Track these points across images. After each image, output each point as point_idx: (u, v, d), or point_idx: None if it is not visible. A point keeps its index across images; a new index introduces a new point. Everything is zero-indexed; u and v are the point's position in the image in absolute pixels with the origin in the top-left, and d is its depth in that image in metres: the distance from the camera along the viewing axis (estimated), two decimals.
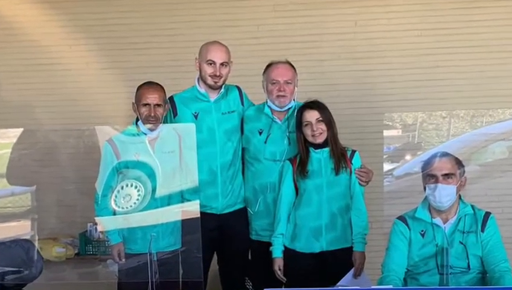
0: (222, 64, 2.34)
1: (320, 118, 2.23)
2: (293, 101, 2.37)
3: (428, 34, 3.06)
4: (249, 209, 2.44)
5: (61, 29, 3.22)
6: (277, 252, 2.28)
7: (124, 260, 2.26)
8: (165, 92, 2.32)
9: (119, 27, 3.18)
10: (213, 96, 2.39)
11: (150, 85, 2.29)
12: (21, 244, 2.19)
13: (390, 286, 1.90)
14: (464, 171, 2.03)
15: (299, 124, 2.27)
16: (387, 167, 2.71)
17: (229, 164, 2.38)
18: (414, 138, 3.18)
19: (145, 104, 2.25)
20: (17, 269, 2.09)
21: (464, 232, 1.99)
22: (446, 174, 1.98)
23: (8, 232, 2.43)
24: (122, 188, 2.18)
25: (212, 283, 2.51)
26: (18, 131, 2.74)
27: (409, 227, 2.03)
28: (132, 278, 2.23)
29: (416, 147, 3.16)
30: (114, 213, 2.23)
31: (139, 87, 2.31)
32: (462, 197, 2.05)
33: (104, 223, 2.35)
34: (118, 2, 3.19)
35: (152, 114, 2.24)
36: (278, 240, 2.28)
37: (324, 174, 2.25)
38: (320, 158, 2.26)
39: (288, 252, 2.28)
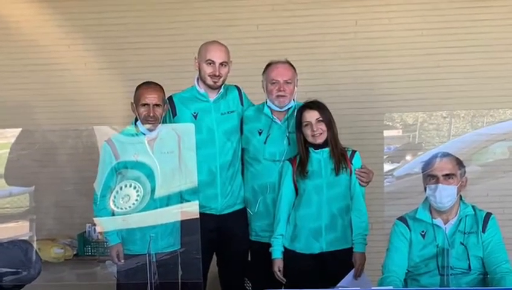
0: (221, 64, 2.33)
1: (320, 118, 2.23)
2: (292, 101, 2.36)
3: (429, 33, 3.06)
4: (248, 209, 2.43)
5: (60, 28, 3.21)
6: (277, 253, 2.27)
7: (122, 261, 2.25)
8: (164, 92, 2.31)
9: (118, 27, 3.18)
10: (212, 96, 2.38)
11: (148, 85, 2.29)
12: (19, 245, 2.18)
13: (391, 287, 1.90)
14: (465, 172, 2.03)
15: (299, 124, 2.26)
16: (387, 167, 2.72)
17: (228, 164, 2.37)
18: (415, 138, 3.18)
19: (144, 104, 2.25)
20: (15, 270, 2.08)
21: (464, 233, 1.99)
22: (447, 175, 1.97)
23: (6, 233, 2.43)
24: (121, 188, 2.17)
25: (212, 284, 2.50)
26: (16, 131, 2.74)
27: (409, 228, 2.03)
28: (131, 279, 2.23)
29: (417, 147, 3.17)
30: (113, 214, 2.22)
31: (138, 87, 2.30)
32: (462, 198, 2.04)
33: (103, 224, 2.34)
34: (116, 2, 3.19)
35: (151, 114, 2.24)
36: (277, 240, 2.28)
37: (324, 174, 2.24)
38: (320, 158, 2.25)
39: (288, 253, 2.28)
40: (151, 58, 3.14)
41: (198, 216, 2.15)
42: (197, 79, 2.40)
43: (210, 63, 2.32)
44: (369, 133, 2.96)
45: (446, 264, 1.96)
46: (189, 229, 2.19)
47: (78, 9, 3.19)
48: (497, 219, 2.02)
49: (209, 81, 2.34)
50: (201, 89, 2.39)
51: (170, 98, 2.39)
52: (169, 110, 2.37)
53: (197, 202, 2.23)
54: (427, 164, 2.02)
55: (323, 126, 2.23)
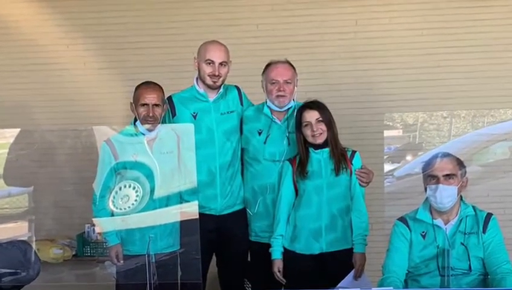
0: (221, 63, 2.33)
1: (320, 118, 2.22)
2: (292, 101, 2.36)
3: (429, 33, 3.05)
4: (248, 210, 2.43)
5: (59, 28, 3.21)
6: (276, 254, 2.27)
7: (122, 261, 2.25)
8: (163, 92, 2.30)
9: (117, 26, 3.17)
10: (212, 96, 2.38)
11: (148, 85, 2.28)
12: (18, 246, 2.17)
13: (391, 288, 1.89)
14: (465, 172, 2.02)
15: (299, 124, 2.25)
16: (387, 167, 2.72)
17: (228, 164, 2.36)
18: (415, 138, 3.18)
19: (144, 104, 2.24)
20: (14, 270, 2.08)
21: (465, 234, 1.99)
22: (447, 175, 1.97)
23: (5, 233, 2.43)
24: (120, 189, 2.16)
25: (211, 285, 2.50)
26: (15, 131, 2.74)
27: (409, 228, 2.02)
28: (130, 280, 2.22)
29: (417, 147, 3.16)
30: (112, 214, 2.22)
31: (137, 87, 2.29)
32: (463, 198, 2.04)
33: (102, 225, 2.33)
34: (116, 1, 3.18)
35: (150, 114, 2.23)
36: (277, 241, 2.27)
37: (324, 175, 2.23)
38: (320, 159, 2.24)
39: (287, 254, 2.27)
40: (150, 58, 3.13)
41: (197, 217, 2.15)
42: (197, 79, 2.39)
43: (209, 63, 2.32)
44: (369, 133, 2.95)
45: (446, 264, 1.95)
46: (188, 230, 2.18)
47: (77, 9, 3.18)
48: (498, 220, 2.02)
49: (209, 81, 2.33)
50: (201, 89, 2.38)
51: (169, 98, 2.38)
52: (169, 110, 2.36)
53: (196, 203, 2.23)
54: (428, 164, 2.02)
55: (323, 126, 2.22)
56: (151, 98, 2.23)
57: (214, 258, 2.48)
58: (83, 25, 3.18)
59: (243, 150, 2.42)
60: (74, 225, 2.93)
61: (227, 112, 2.39)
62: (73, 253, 2.99)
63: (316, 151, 2.24)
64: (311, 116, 2.22)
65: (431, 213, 2.01)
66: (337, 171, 2.22)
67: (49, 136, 2.72)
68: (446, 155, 2.02)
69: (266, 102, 2.38)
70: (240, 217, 2.41)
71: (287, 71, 2.34)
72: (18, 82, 3.23)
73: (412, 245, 2.00)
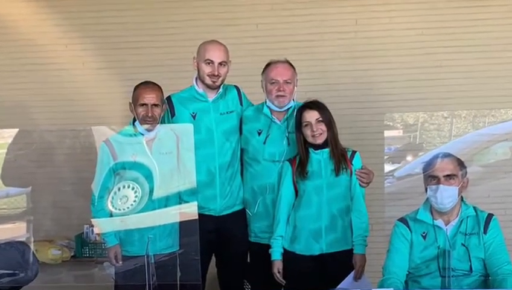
0: (220, 63, 2.32)
1: (320, 118, 2.21)
2: (292, 101, 2.35)
3: (430, 33, 3.05)
4: (247, 210, 2.42)
5: (57, 28, 3.20)
6: (276, 255, 2.26)
7: (120, 262, 2.24)
8: (162, 92, 2.30)
9: (116, 26, 3.17)
10: (211, 96, 2.37)
11: (147, 85, 2.27)
12: (16, 247, 2.16)
13: (391, 289, 1.88)
14: (466, 172, 2.01)
15: (299, 124, 2.25)
16: (388, 167, 2.71)
17: (227, 164, 2.36)
18: (415, 138, 3.17)
19: (143, 104, 2.23)
20: (12, 271, 2.07)
21: (466, 234, 1.98)
22: (448, 175, 1.96)
23: (3, 234, 2.42)
24: (119, 189, 2.16)
25: (210, 286, 2.49)
26: (13, 131, 2.73)
27: (410, 229, 2.02)
28: (129, 281, 2.21)
29: (418, 147, 3.16)
30: (111, 215, 2.21)
31: (136, 87, 2.29)
32: (464, 199, 2.03)
33: (101, 225, 2.33)
34: (114, 1, 3.18)
35: (149, 114, 2.22)
36: (277, 242, 2.26)
37: (324, 175, 2.22)
38: (320, 159, 2.23)
39: (287, 255, 2.26)
40: (149, 58, 3.13)
41: (197, 217, 2.14)
42: (196, 79, 2.38)
43: (209, 63, 2.31)
44: (369, 134, 2.95)
45: (447, 265, 1.94)
46: (187, 231, 2.17)
47: (76, 9, 3.18)
48: (499, 220, 2.01)
49: (208, 81, 2.33)
50: (200, 88, 2.37)
51: (169, 98, 2.37)
52: (168, 110, 2.36)
53: (195, 203, 2.22)
54: (428, 165, 2.01)
55: (323, 126, 2.21)
56: (150, 98, 2.23)
57: (214, 259, 2.47)
58: (82, 25, 3.18)
59: (242, 150, 2.41)
60: (73, 226, 2.93)
61: (227, 112, 2.38)
62: (72, 254, 2.98)
63: (316, 151, 2.24)
64: (311, 116, 2.21)
65: (431, 214, 2.00)
66: (337, 171, 2.21)
67: (48, 136, 2.72)
68: (447, 155, 2.02)
69: (266, 102, 2.37)
70: (240, 218, 2.41)
71: (287, 71, 2.33)
72: (16, 82, 3.22)
73: (413, 246, 2.00)
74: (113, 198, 2.16)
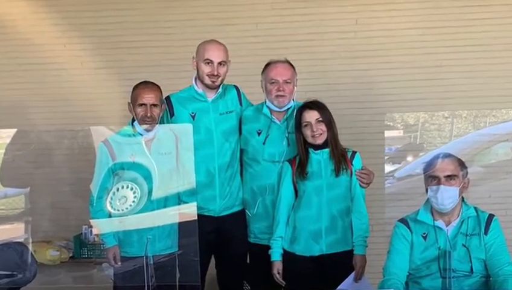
0: (220, 63, 2.31)
1: (320, 119, 2.20)
2: (292, 101, 2.34)
3: (430, 32, 3.04)
4: (247, 211, 2.41)
5: (56, 27, 3.19)
6: (276, 256, 2.25)
7: (119, 263, 2.23)
8: (161, 92, 2.29)
9: (114, 26, 3.16)
10: (211, 96, 2.36)
11: (146, 85, 2.27)
12: (14, 248, 2.16)
13: None
14: (467, 173, 2.01)
15: (299, 124, 2.24)
16: (388, 168, 2.71)
17: (227, 165, 2.35)
18: (416, 138, 3.16)
19: (141, 104, 2.22)
20: (10, 272, 2.06)
21: (466, 235, 1.97)
22: (449, 176, 1.95)
23: (1, 235, 2.42)
24: (117, 190, 2.15)
25: (210, 287, 2.48)
26: (11, 132, 2.72)
27: (410, 230, 2.01)
28: (128, 282, 2.20)
29: (418, 148, 3.15)
30: (109, 215, 2.20)
31: (135, 87, 2.28)
32: (465, 199, 2.02)
33: (99, 226, 2.32)
34: (113, 0, 3.16)
35: (148, 114, 2.22)
36: (276, 243, 2.25)
37: (324, 175, 2.22)
38: (320, 159, 2.22)
39: (287, 256, 2.25)
40: (148, 58, 3.12)
41: (196, 218, 2.13)
42: (195, 79, 2.37)
43: (208, 63, 2.30)
44: (369, 134, 2.94)
45: (448, 266, 1.94)
46: (187, 231, 2.17)
47: (74, 8, 3.17)
48: (500, 221, 2.00)
49: (208, 80, 2.32)
50: (200, 88, 2.36)
51: (168, 98, 2.36)
52: (167, 110, 2.35)
53: (195, 204, 2.21)
54: (429, 165, 2.00)
55: (323, 126, 2.20)
56: (149, 98, 2.22)
57: (213, 260, 2.46)
58: (80, 25, 3.17)
59: (241, 150, 2.40)
60: (71, 227, 2.91)
61: (226, 112, 2.37)
62: (70, 255, 2.96)
63: (316, 151, 2.23)
64: (311, 116, 2.20)
65: (432, 214, 1.99)
66: (337, 172, 2.20)
67: (46, 137, 2.70)
68: (447, 156, 2.01)
69: (265, 102, 2.37)
70: (239, 219, 2.40)
71: (287, 71, 2.32)
72: (14, 82, 3.21)
73: (413, 247, 1.99)
74: (111, 199, 2.15)
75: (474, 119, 3.15)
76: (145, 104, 2.21)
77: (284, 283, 2.25)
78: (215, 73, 2.30)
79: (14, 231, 2.58)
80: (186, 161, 2.22)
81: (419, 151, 3.08)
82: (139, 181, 2.16)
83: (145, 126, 2.22)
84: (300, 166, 2.22)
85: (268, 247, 2.27)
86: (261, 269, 2.32)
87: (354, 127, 2.93)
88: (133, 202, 2.14)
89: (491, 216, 1.99)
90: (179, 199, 2.29)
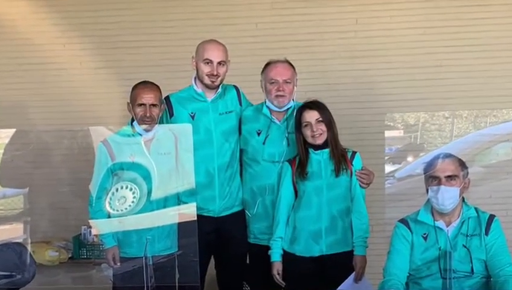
0: (219, 63, 2.30)
1: (320, 119, 2.20)
2: (292, 101, 2.33)
3: (431, 32, 3.03)
4: (247, 211, 2.40)
5: (55, 27, 3.19)
6: (276, 256, 2.25)
7: (118, 264, 2.23)
8: (160, 92, 2.28)
9: (114, 25, 3.15)
10: (210, 96, 2.35)
11: (145, 85, 2.26)
12: (13, 248, 2.16)
13: None
14: (468, 173, 2.00)
15: (299, 124, 2.23)
16: (388, 168, 2.71)
17: (226, 165, 2.34)
18: (416, 138, 3.16)
19: (141, 104, 2.22)
20: (9, 273, 2.06)
21: (467, 236, 1.97)
22: (449, 176, 1.95)
23: (0, 235, 2.39)
24: (117, 190, 2.15)
25: (209, 288, 2.47)
26: (10, 132, 2.72)
27: (411, 230, 2.00)
28: (127, 283, 2.20)
29: (419, 148, 3.15)
30: (108, 216, 2.19)
31: (135, 87, 2.27)
32: (465, 200, 2.02)
33: (99, 226, 2.32)
34: (112, 0, 3.15)
35: (147, 114, 2.21)
36: (276, 243, 2.25)
37: (324, 176, 2.21)
38: (320, 159, 2.22)
39: (287, 256, 2.25)
40: (147, 58, 3.11)
41: (195, 218, 2.12)
42: (195, 78, 2.37)
43: (208, 62, 2.29)
44: (369, 134, 2.93)
45: (448, 267, 1.93)
46: (186, 232, 2.16)
47: (73, 8, 3.16)
48: (501, 221, 2.00)
49: (207, 80, 2.31)
50: (199, 88, 2.35)
51: (167, 98, 2.36)
52: (166, 110, 2.34)
53: (194, 204, 2.20)
54: (429, 165, 2.00)
55: (323, 126, 2.20)
56: (148, 98, 2.21)
57: (212, 260, 2.45)
58: (80, 24, 3.16)
59: (241, 150, 2.39)
60: (70, 227, 2.91)
61: (226, 112, 2.36)
62: (69, 255, 2.95)
63: (316, 152, 2.22)
64: (311, 116, 2.20)
65: (432, 215, 1.99)
66: (337, 172, 2.20)
67: (45, 137, 2.70)
68: (448, 156, 2.01)
69: (265, 102, 2.36)
70: (239, 219, 2.39)
71: (287, 71, 2.32)
72: (14, 82, 3.20)
73: (414, 247, 1.99)
74: (111, 199, 2.15)
75: (474, 119, 3.15)
76: (144, 104, 2.21)
77: (284, 283, 2.24)
78: (215, 73, 2.29)
79: (12, 232, 2.58)
80: (185, 161, 2.21)
81: (419, 152, 3.08)
82: (139, 181, 2.16)
83: (144, 126, 2.21)
84: (300, 166, 2.22)
85: (268, 247, 2.27)
86: (261, 270, 2.31)
87: (354, 127, 2.92)
88: (132, 202, 2.13)
89: (491, 217, 1.99)
90: (178, 199, 2.29)
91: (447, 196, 1.93)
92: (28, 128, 2.96)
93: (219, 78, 2.31)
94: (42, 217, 2.68)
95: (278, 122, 2.35)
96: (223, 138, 2.34)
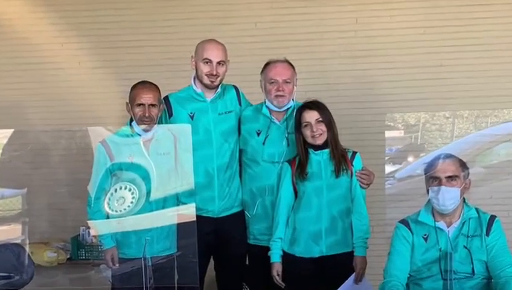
0: (219, 63, 2.29)
1: (320, 119, 2.19)
2: (291, 101, 2.33)
3: (431, 31, 3.02)
4: (246, 212, 2.39)
5: (53, 26, 3.18)
6: (275, 257, 2.24)
7: (117, 265, 2.22)
8: (159, 92, 2.27)
9: (112, 25, 3.14)
10: (209, 96, 2.34)
11: (144, 84, 2.25)
12: (11, 249, 2.16)
13: None
14: (468, 174, 2.00)
15: (298, 124, 2.22)
16: (389, 169, 2.71)
17: (226, 165, 2.33)
18: (417, 139, 3.16)
19: (140, 104, 2.21)
20: (7, 274, 2.07)
21: (468, 237, 1.96)
22: (450, 177, 1.94)
23: None
24: (115, 190, 2.14)
25: (209, 289, 2.47)
26: (8, 132, 2.70)
27: (411, 231, 2.00)
28: (126, 284, 2.19)
29: (419, 148, 3.15)
30: (107, 217, 2.18)
31: (133, 87, 2.26)
32: (466, 200, 2.01)
33: (97, 227, 2.32)
34: None
35: (146, 114, 2.20)
36: (276, 244, 2.24)
37: (324, 176, 2.20)
38: (320, 160, 2.21)
39: (287, 257, 2.24)
40: (146, 57, 3.10)
41: (194, 219, 2.12)
42: (194, 78, 2.36)
43: (207, 62, 2.28)
44: (370, 134, 2.93)
45: (449, 268, 1.93)
46: (185, 233, 2.15)
47: (71, 7, 3.15)
48: (502, 222, 1.99)
49: (206, 80, 2.30)
50: (198, 88, 2.34)
51: (166, 98, 2.35)
52: (165, 110, 2.33)
53: (193, 205, 2.19)
54: (430, 166, 1.99)
55: (323, 127, 2.19)
56: (147, 98, 2.21)
57: (212, 261, 2.44)
58: (78, 24, 3.15)
59: (241, 151, 2.38)
60: (68, 228, 2.90)
61: (225, 112, 2.35)
62: (68, 256, 2.94)
63: (316, 152, 2.21)
64: (311, 116, 2.19)
65: (433, 216, 1.98)
66: (337, 172, 2.19)
67: (43, 137, 2.70)
68: (448, 156, 2.00)
69: (265, 102, 2.35)
70: (238, 220, 2.38)
71: (286, 70, 2.31)
72: (11, 82, 3.19)
73: (414, 248, 1.98)
74: (109, 199, 2.14)
75: (475, 119, 3.15)
76: (143, 104, 2.20)
77: (284, 284, 2.23)
78: (214, 73, 2.28)
79: (11, 232, 2.57)
80: (184, 162, 2.21)
81: (420, 152, 3.08)
82: (137, 182, 2.15)
83: (143, 126, 2.20)
84: (300, 167, 2.21)
85: (267, 248, 2.26)
86: (261, 271, 2.31)
87: (354, 127, 2.91)
88: (131, 203, 2.13)
89: (492, 217, 1.98)
90: (177, 199, 2.28)
91: (448, 196, 1.93)
92: (26, 129, 2.96)
93: (218, 78, 2.31)
94: (40, 217, 2.67)
95: (277, 122, 2.34)
96: (222, 138, 2.33)
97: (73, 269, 2.85)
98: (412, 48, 3.03)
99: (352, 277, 2.18)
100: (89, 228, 2.78)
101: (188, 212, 2.19)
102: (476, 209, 2.00)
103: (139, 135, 2.21)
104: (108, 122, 2.93)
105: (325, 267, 2.19)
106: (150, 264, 2.11)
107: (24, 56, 3.17)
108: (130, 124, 2.24)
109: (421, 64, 3.03)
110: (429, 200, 1.98)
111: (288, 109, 2.32)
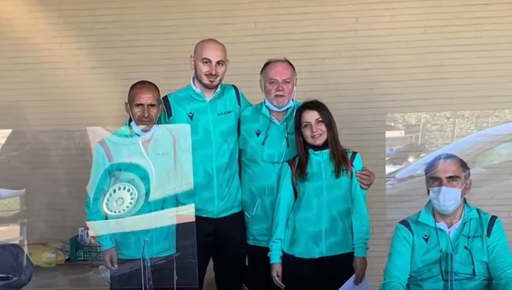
0: (218, 62, 2.29)
1: (320, 119, 2.18)
2: (291, 101, 2.32)
3: (432, 31, 3.02)
4: (246, 213, 2.39)
5: (52, 26, 3.17)
6: (275, 258, 2.23)
7: (116, 265, 2.21)
8: (159, 92, 2.27)
9: (111, 24, 3.14)
10: (209, 96, 2.34)
11: (143, 84, 2.25)
12: (10, 250, 2.16)
13: None
14: (469, 174, 1.99)
15: (298, 124, 2.22)
16: (389, 169, 2.70)
17: (225, 166, 2.33)
18: (417, 139, 3.15)
19: (139, 104, 2.20)
20: (5, 275, 2.07)
21: (469, 237, 1.96)
22: (450, 177, 1.94)
23: None
24: (114, 191, 2.14)
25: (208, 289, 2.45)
26: (7, 132, 2.70)
27: (412, 232, 1.99)
28: (125, 285, 2.19)
29: (420, 148, 3.14)
30: (106, 217, 2.18)
31: (132, 87, 2.26)
32: (467, 201, 2.01)
33: (96, 228, 2.31)
34: None
35: (145, 114, 2.20)
36: (276, 245, 2.23)
37: (324, 176, 2.19)
38: (320, 160, 2.20)
39: (286, 258, 2.23)
40: (145, 57, 3.10)
41: (194, 220, 2.12)
42: (193, 78, 2.35)
43: (206, 62, 2.28)
44: (370, 134, 2.92)
45: (450, 269, 1.92)
46: (184, 233, 2.15)
47: (70, 7, 3.15)
48: (503, 223, 1.99)
49: (206, 80, 2.29)
50: (198, 88, 2.34)
51: (165, 98, 2.34)
52: (165, 110, 2.33)
53: (193, 205, 2.19)
54: (430, 166, 1.99)
55: (323, 127, 2.18)
56: (146, 98, 2.20)
57: (211, 262, 2.44)
58: (77, 23, 3.15)
59: (240, 151, 2.38)
60: (67, 228, 2.89)
61: (225, 112, 2.35)
62: (67, 257, 2.94)
63: (316, 152, 2.21)
64: (311, 116, 2.18)
65: (434, 216, 1.98)
66: (337, 173, 2.18)
67: (42, 137, 2.69)
68: (449, 157, 2.00)
69: (264, 102, 2.35)
70: (238, 220, 2.38)
71: (286, 70, 2.30)
72: (10, 81, 3.19)
73: (415, 249, 1.98)
74: (108, 200, 2.14)
75: (476, 119, 3.14)
76: (142, 104, 2.19)
77: (283, 285, 2.23)
78: (213, 72, 2.28)
79: (9, 233, 2.57)
80: (184, 162, 2.21)
81: (420, 152, 3.07)
82: (136, 182, 2.15)
83: (142, 126, 2.20)
84: (300, 167, 2.20)
85: (267, 249, 2.25)
86: (260, 272, 2.30)
87: (355, 127, 2.91)
88: (130, 203, 2.13)
89: (493, 218, 1.98)
90: (176, 200, 2.27)
91: (449, 197, 1.92)
92: (25, 129, 2.96)
93: (218, 78, 2.30)
94: (39, 218, 2.66)
95: (277, 122, 2.33)
96: (221, 139, 2.32)
97: (71, 270, 2.84)
98: (413, 48, 3.03)
99: (352, 277, 2.18)
100: (87, 228, 2.77)
101: (187, 212, 2.19)
102: (477, 209, 1.99)
103: (138, 135, 2.21)
104: (107, 123, 2.93)
105: (325, 268, 2.19)
106: (149, 265, 2.11)
107: (23, 56, 3.16)
108: (129, 124, 2.24)
109: (422, 64, 3.02)
110: (430, 201, 1.97)
111: (288, 109, 2.32)
